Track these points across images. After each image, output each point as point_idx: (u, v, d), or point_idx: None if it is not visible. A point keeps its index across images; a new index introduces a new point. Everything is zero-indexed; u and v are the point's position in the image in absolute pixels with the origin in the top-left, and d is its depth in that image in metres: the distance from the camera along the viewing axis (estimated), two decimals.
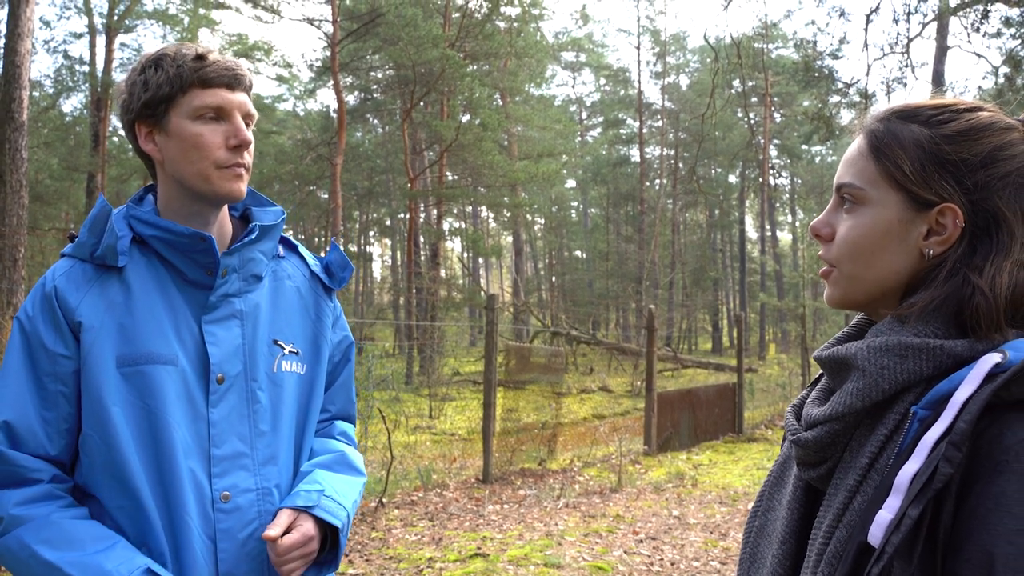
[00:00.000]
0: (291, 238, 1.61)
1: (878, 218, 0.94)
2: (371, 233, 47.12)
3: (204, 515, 1.34)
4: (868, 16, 10.81)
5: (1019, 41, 16.22)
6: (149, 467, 1.32)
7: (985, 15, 12.32)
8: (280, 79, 36.66)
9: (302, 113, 40.60)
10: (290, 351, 1.48)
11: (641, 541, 5.84)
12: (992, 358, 0.81)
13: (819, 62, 18.85)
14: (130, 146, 1.38)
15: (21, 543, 1.26)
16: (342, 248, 1.32)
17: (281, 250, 1.56)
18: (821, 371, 1.03)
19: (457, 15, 23.70)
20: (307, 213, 36.08)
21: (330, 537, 1.43)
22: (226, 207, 1.48)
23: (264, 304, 1.47)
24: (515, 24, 24.32)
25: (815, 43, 14.50)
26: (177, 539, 1.32)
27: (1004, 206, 0.90)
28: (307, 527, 1.36)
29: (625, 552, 5.50)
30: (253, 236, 1.43)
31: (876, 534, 0.78)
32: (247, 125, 1.40)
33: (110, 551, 1.26)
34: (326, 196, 31.90)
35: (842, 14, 14.76)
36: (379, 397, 10.10)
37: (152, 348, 1.34)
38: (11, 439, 1.30)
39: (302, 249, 1.62)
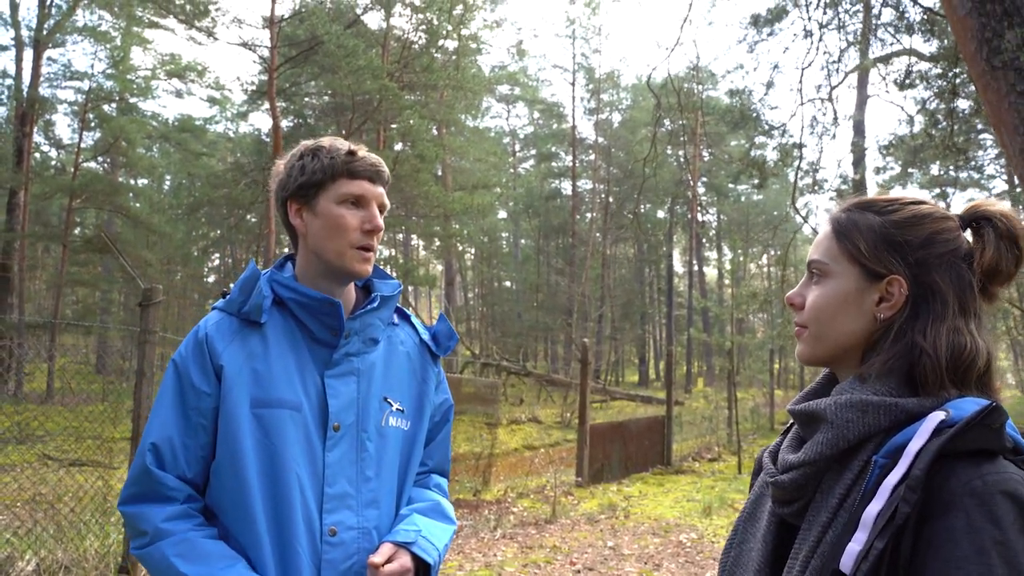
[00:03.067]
0: (404, 308, 1.79)
1: (839, 288, 1.14)
2: None
3: (313, 545, 1.52)
4: (803, 69, 11.39)
5: (931, 93, 17.20)
6: (266, 497, 1.49)
7: (908, 73, 13.07)
8: (212, 100, 36.22)
9: (233, 135, 40.10)
10: (397, 408, 1.66)
11: (578, 572, 5.95)
12: (938, 415, 0.98)
13: (739, 98, 19.55)
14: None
15: (162, 554, 1.46)
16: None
17: (395, 318, 1.75)
18: (791, 421, 1.19)
19: (395, 44, 23.88)
20: (236, 237, 35.47)
21: (422, 574, 1.57)
22: None
23: (379, 365, 1.67)
24: (453, 57, 24.59)
25: (751, 92, 15.16)
26: (286, 563, 1.49)
27: (939, 279, 1.09)
28: (405, 560, 1.52)
29: None
30: (375, 305, 1.64)
31: (847, 563, 0.93)
32: (380, 212, 1.63)
33: (231, 569, 1.45)
34: (255, 220, 31.49)
35: (775, 67, 15.54)
36: None
37: (281, 395, 1.54)
38: (158, 459, 1.52)
39: (414, 319, 1.81)
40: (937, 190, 36.40)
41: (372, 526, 1.57)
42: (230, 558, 1.47)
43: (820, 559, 0.98)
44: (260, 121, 60.32)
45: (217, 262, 46.23)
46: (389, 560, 1.51)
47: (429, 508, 1.68)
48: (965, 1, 4.32)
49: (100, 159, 28.72)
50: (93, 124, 27.45)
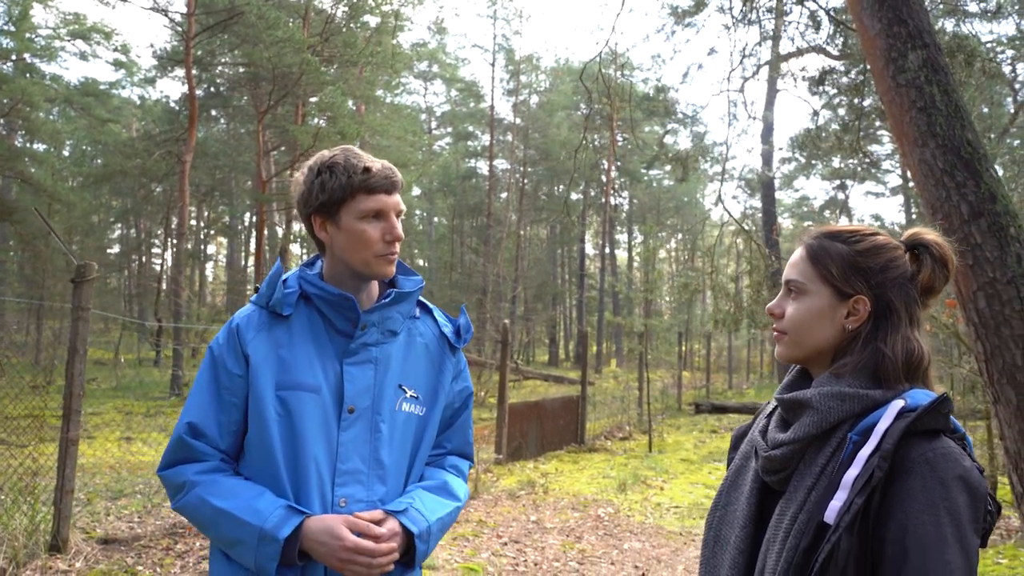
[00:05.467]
0: (428, 302, 1.96)
1: (814, 304, 1.42)
2: (209, 231, 45.32)
3: (324, 513, 1.68)
4: (728, 76, 11.83)
5: (838, 90, 18.07)
6: (288, 469, 1.69)
7: (819, 80, 13.72)
8: (118, 64, 34.84)
9: (140, 102, 38.70)
10: (411, 395, 1.83)
11: (505, 544, 6.25)
12: (899, 403, 1.28)
13: (663, 95, 20.14)
14: None
15: (198, 497, 1.69)
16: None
17: (418, 312, 1.92)
18: (774, 404, 1.48)
19: (316, 17, 23.49)
20: (145, 209, 34.32)
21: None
22: None
23: (397, 355, 1.84)
24: (375, 33, 24.35)
25: (668, 89, 15.66)
26: None
27: (894, 298, 1.39)
28: (393, 524, 1.69)
29: (492, 554, 5.89)
30: (387, 300, 1.81)
31: (831, 515, 1.22)
32: (398, 217, 1.80)
33: (260, 497, 1.67)
34: (160, 191, 30.50)
35: (700, 67, 16.06)
36: None
37: (303, 379, 1.73)
38: (193, 433, 1.74)
39: (436, 312, 1.97)
40: (837, 181, 38.17)
41: (377, 499, 1.74)
42: (257, 489, 1.69)
43: (807, 514, 1.27)
44: (169, 88, 58.25)
45: (119, 232, 44.69)
46: (378, 523, 1.67)
47: (435, 485, 1.86)
48: (875, 22, 4.71)
49: None
50: None
